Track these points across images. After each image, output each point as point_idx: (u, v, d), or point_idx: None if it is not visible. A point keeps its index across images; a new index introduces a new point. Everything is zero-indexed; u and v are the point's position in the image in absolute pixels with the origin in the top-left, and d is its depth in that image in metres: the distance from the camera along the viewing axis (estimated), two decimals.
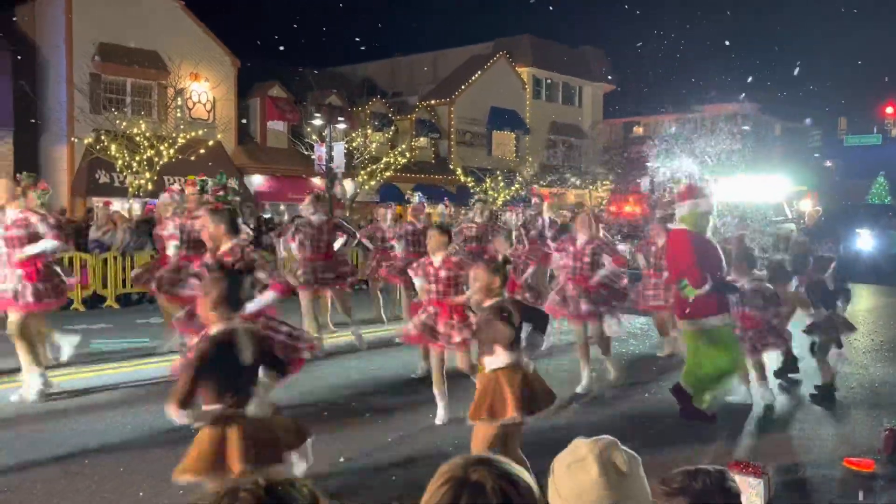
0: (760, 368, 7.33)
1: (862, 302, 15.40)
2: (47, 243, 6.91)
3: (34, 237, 6.88)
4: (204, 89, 26.37)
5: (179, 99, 25.28)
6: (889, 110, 41.73)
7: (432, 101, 34.68)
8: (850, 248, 19.10)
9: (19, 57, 23.39)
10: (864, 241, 20.64)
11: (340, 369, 8.59)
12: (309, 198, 9.55)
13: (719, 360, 6.49)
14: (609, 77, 42.50)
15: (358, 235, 10.41)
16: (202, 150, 23.99)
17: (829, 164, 48.99)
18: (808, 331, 7.66)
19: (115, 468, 5.23)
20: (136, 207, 21.53)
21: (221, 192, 9.42)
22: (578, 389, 7.44)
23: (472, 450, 4.04)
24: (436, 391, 6.45)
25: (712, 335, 6.52)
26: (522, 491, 1.46)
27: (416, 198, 12.86)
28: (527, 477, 1.50)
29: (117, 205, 20.16)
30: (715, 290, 6.45)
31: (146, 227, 15.81)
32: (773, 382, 8.07)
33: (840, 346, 7.53)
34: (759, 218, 18.32)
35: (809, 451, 5.82)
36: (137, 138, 22.42)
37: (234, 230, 5.82)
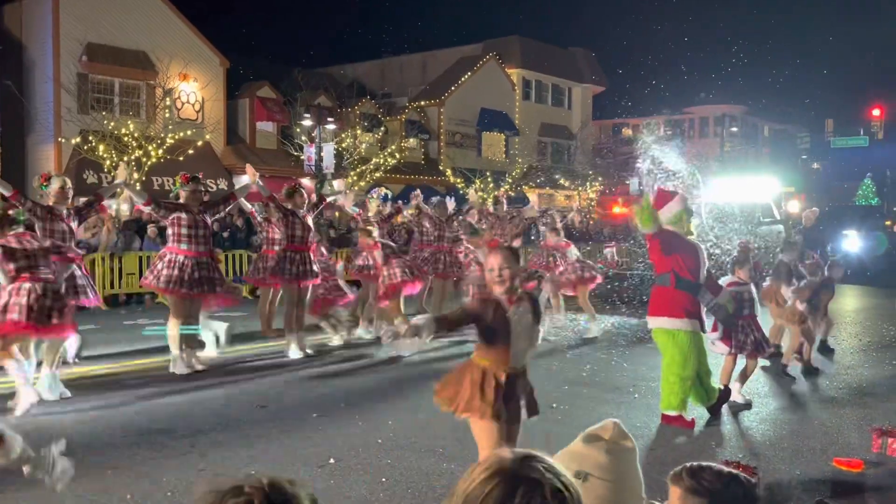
0: (746, 374, 7.37)
1: (850, 303, 15.50)
2: None
3: None
4: (193, 89, 26.26)
5: (168, 99, 25.16)
6: (875, 112, 42.03)
7: (422, 102, 34.67)
8: (836, 249, 19.21)
9: (5, 56, 23.24)
10: (852, 243, 20.76)
11: (325, 372, 8.57)
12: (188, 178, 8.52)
13: (675, 366, 6.37)
14: (598, 79, 42.58)
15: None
16: (191, 151, 23.88)
17: (816, 165, 49.30)
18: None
19: (103, 471, 5.18)
20: (125, 208, 21.41)
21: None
22: None
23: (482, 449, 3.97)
24: None
25: (674, 337, 6.40)
26: (573, 489, 1.41)
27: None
28: (571, 475, 1.46)
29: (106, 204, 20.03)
30: (687, 291, 6.38)
31: (134, 227, 15.77)
32: (761, 384, 8.11)
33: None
34: (747, 218, 18.42)
35: (799, 451, 5.84)
36: (125, 139, 22.30)
37: None
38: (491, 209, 12.83)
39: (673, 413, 6.36)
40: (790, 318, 8.58)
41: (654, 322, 6.53)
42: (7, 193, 7.06)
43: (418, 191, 12.29)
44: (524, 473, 1.38)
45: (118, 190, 8.77)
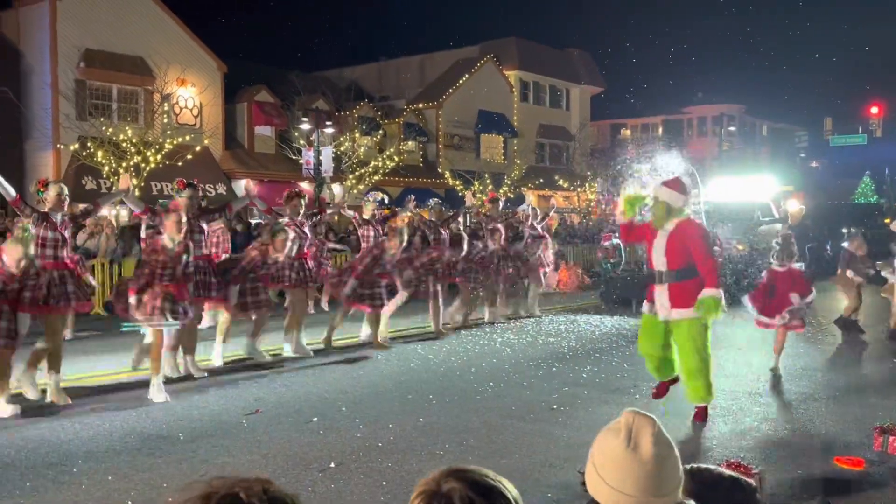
0: None
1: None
2: None
3: None
4: (190, 94, 26.27)
5: (166, 104, 25.16)
6: (874, 110, 41.98)
7: (420, 105, 34.67)
8: (837, 246, 19.20)
9: (3, 63, 23.23)
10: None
11: (325, 375, 8.57)
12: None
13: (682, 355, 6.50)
14: (595, 79, 42.62)
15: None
16: (189, 156, 23.88)
17: (815, 164, 49.33)
18: None
19: (104, 476, 5.18)
20: (123, 214, 21.39)
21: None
22: None
23: None
24: None
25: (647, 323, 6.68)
26: (496, 502, 1.42)
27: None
28: (509, 488, 1.46)
29: (104, 211, 20.01)
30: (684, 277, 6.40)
31: (133, 233, 15.74)
32: (763, 383, 8.11)
33: None
34: (747, 218, 18.41)
35: (800, 450, 5.83)
36: (124, 144, 22.29)
37: None
38: (488, 211, 12.98)
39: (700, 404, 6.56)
40: (891, 291, 10.68)
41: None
42: (9, 198, 7.09)
43: (412, 196, 12.61)
44: (441, 490, 1.41)
45: (117, 199, 8.99)
